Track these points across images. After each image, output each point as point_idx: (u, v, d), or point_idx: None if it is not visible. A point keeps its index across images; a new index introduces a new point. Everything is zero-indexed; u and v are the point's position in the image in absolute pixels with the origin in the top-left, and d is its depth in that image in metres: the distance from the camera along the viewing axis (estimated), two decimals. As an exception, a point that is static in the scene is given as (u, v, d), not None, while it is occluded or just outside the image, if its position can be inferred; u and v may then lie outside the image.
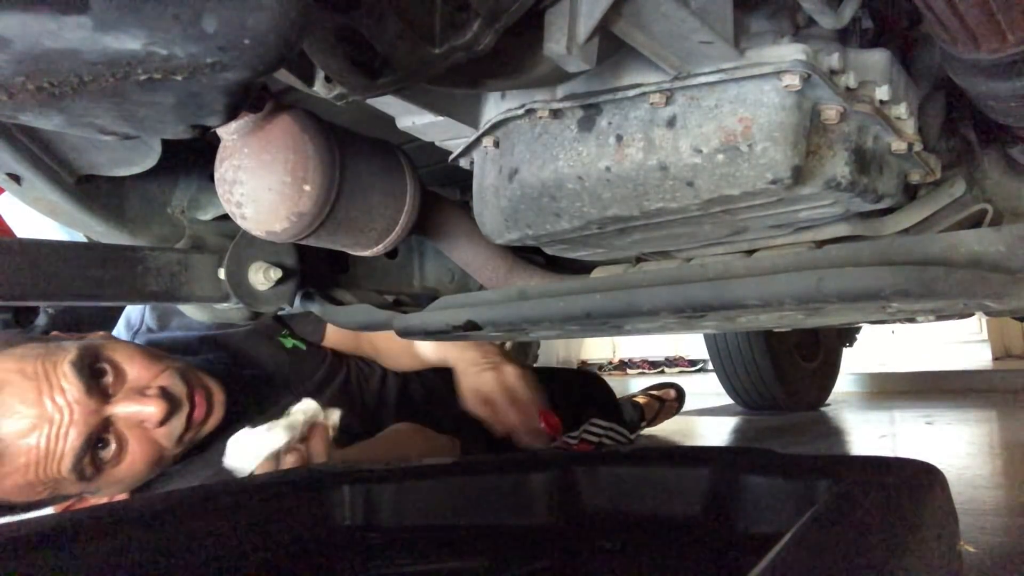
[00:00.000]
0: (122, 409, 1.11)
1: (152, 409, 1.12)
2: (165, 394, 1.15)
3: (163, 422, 1.13)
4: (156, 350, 1.25)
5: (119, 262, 0.93)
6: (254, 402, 1.35)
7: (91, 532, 0.68)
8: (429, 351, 1.60)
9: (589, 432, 1.91)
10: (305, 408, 1.11)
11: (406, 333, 1.00)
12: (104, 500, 1.21)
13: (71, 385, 1.07)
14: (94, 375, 1.10)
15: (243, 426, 1.27)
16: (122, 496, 1.22)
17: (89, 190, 0.95)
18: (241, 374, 1.39)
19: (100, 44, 0.37)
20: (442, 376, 1.66)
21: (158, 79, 0.40)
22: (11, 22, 0.35)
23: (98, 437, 1.09)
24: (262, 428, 1.06)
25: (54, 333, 1.25)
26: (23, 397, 1.04)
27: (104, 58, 0.38)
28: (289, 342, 1.51)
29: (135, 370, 1.15)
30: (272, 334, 1.50)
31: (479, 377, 1.47)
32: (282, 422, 1.08)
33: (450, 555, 0.82)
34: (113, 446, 1.11)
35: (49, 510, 1.14)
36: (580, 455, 0.92)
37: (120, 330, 1.48)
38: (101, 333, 1.29)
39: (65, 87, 0.40)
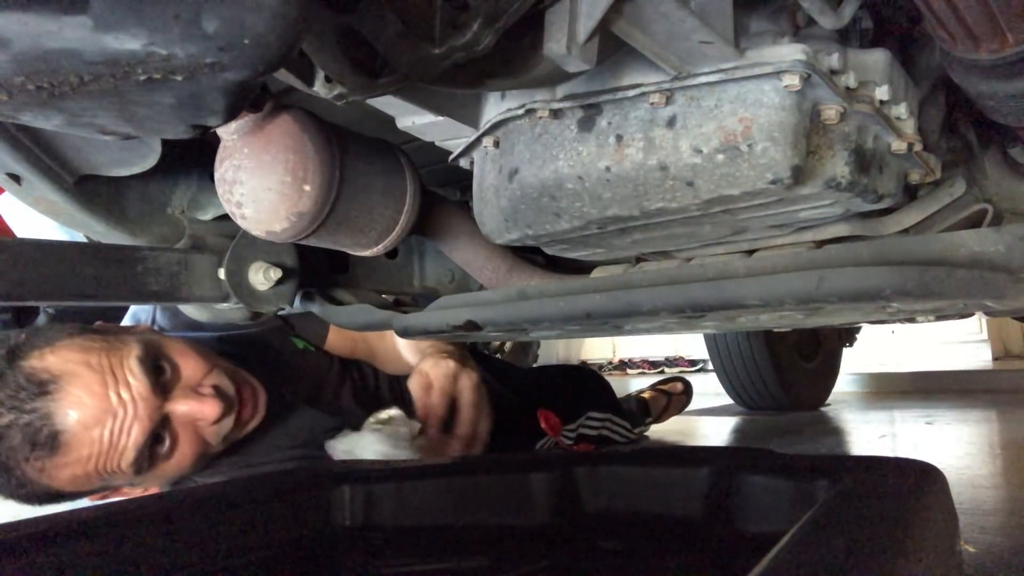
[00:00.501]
0: (181, 407, 1.13)
1: (209, 409, 1.14)
2: (220, 393, 1.16)
3: (217, 421, 1.14)
4: (205, 349, 1.26)
5: (119, 262, 0.93)
6: (283, 400, 1.36)
7: (92, 532, 0.68)
8: (412, 355, 1.58)
9: (586, 426, 1.91)
10: (396, 414, 1.16)
11: (406, 333, 1.00)
12: (139, 491, 1.22)
13: (137, 381, 1.08)
14: (156, 372, 1.11)
15: (275, 425, 1.28)
16: (156, 489, 1.23)
17: (89, 190, 0.95)
18: (268, 373, 1.40)
19: (100, 44, 0.37)
20: None
21: (158, 79, 0.40)
22: (11, 22, 0.35)
23: (156, 433, 1.10)
24: (368, 432, 1.12)
25: (99, 324, 1.25)
26: (90, 389, 1.05)
27: (104, 58, 0.38)
28: (300, 343, 1.51)
29: (189, 368, 1.17)
30: (285, 334, 1.50)
31: (438, 363, 1.41)
32: (386, 429, 1.13)
33: (450, 555, 0.82)
34: (167, 442, 1.13)
35: (85, 500, 1.15)
36: (580, 455, 0.93)
37: None
38: (143, 326, 1.29)
39: (65, 87, 0.40)
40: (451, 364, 1.39)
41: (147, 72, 0.39)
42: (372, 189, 0.82)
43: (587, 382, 2.14)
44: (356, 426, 1.30)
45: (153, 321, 1.44)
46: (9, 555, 0.62)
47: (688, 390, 2.74)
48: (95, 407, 1.04)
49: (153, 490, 1.23)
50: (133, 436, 1.07)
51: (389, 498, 0.86)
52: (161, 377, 1.12)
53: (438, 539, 0.84)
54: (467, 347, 1.61)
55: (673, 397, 2.65)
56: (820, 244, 0.79)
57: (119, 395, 1.06)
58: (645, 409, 2.46)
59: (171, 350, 1.17)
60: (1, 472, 1.03)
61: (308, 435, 1.32)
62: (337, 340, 1.59)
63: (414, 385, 1.39)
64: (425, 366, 1.40)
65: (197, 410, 1.13)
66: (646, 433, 2.41)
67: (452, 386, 1.38)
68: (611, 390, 2.18)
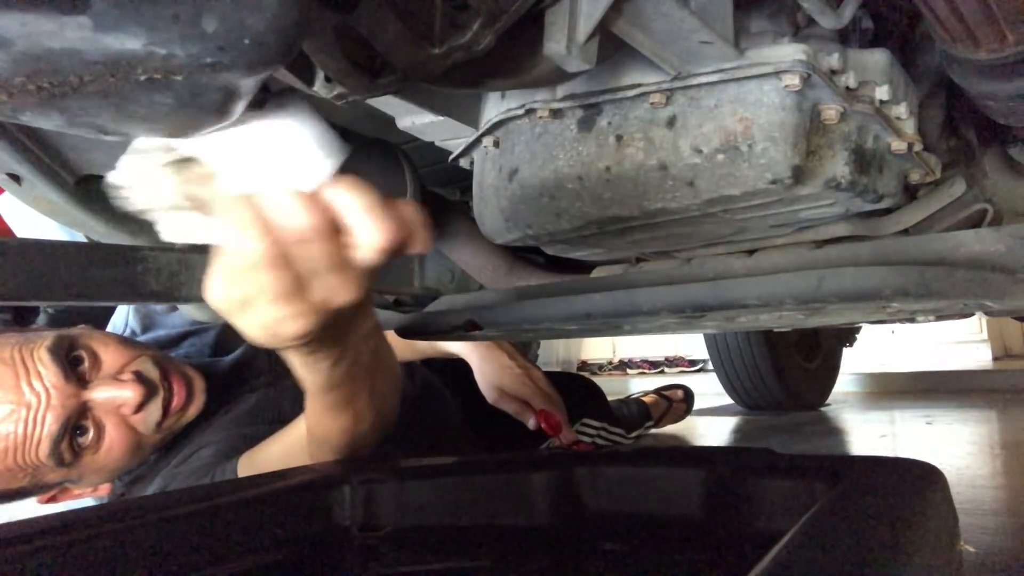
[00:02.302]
0: (99, 394, 1.11)
1: (129, 393, 1.12)
2: (140, 378, 1.15)
3: (140, 407, 1.13)
4: (131, 339, 1.26)
5: (119, 262, 0.93)
6: (234, 390, 1.36)
7: (91, 532, 0.68)
8: (441, 343, 1.60)
9: (581, 432, 1.91)
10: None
11: (406, 333, 1.00)
12: (88, 490, 1.21)
13: (48, 370, 1.07)
14: (71, 362, 1.11)
15: (224, 414, 1.27)
16: (105, 485, 1.22)
17: (89, 190, 0.94)
18: (220, 364, 1.40)
19: (100, 44, 0.37)
20: (434, 368, 1.66)
21: (158, 79, 0.40)
22: (11, 22, 0.35)
23: (76, 423, 1.10)
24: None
25: (32, 326, 1.25)
26: (2, 383, 1.04)
27: (104, 58, 0.38)
28: None
29: (110, 356, 1.16)
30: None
31: (513, 381, 1.49)
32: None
33: (450, 555, 0.82)
34: (91, 432, 1.11)
35: (32, 501, 1.14)
36: (580, 455, 0.92)
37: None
38: (81, 326, 1.29)
39: (65, 87, 0.40)
40: (515, 370, 1.46)
41: (147, 72, 0.39)
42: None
43: (582, 390, 2.13)
44: None
45: (126, 326, 1.45)
46: (9, 555, 0.62)
47: (688, 398, 2.74)
48: (5, 400, 1.04)
49: (103, 488, 1.22)
50: (48, 426, 1.06)
51: (389, 498, 0.86)
52: (79, 367, 1.11)
53: (438, 539, 0.84)
54: None
55: (673, 404, 2.65)
56: (820, 244, 0.79)
57: (31, 385, 1.05)
58: (646, 413, 2.46)
59: (90, 340, 1.16)
60: None
61: (274, 412, 1.31)
62: None
63: (508, 406, 1.48)
64: (494, 384, 1.47)
65: (116, 396, 1.12)
66: (646, 435, 2.41)
67: (531, 385, 1.46)
68: (605, 399, 2.18)
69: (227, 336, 1.46)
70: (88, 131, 0.46)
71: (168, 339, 1.43)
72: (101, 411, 1.12)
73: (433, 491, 0.86)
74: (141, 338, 1.44)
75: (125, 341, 1.22)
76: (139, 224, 1.02)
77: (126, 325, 1.46)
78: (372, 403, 0.82)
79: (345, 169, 0.78)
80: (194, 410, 1.23)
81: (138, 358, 1.18)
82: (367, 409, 0.82)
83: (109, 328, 1.49)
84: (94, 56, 0.38)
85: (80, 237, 1.13)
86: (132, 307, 1.45)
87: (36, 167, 0.88)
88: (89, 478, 1.17)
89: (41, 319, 1.70)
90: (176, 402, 1.20)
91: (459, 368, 1.62)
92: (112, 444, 1.13)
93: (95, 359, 1.14)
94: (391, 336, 1.57)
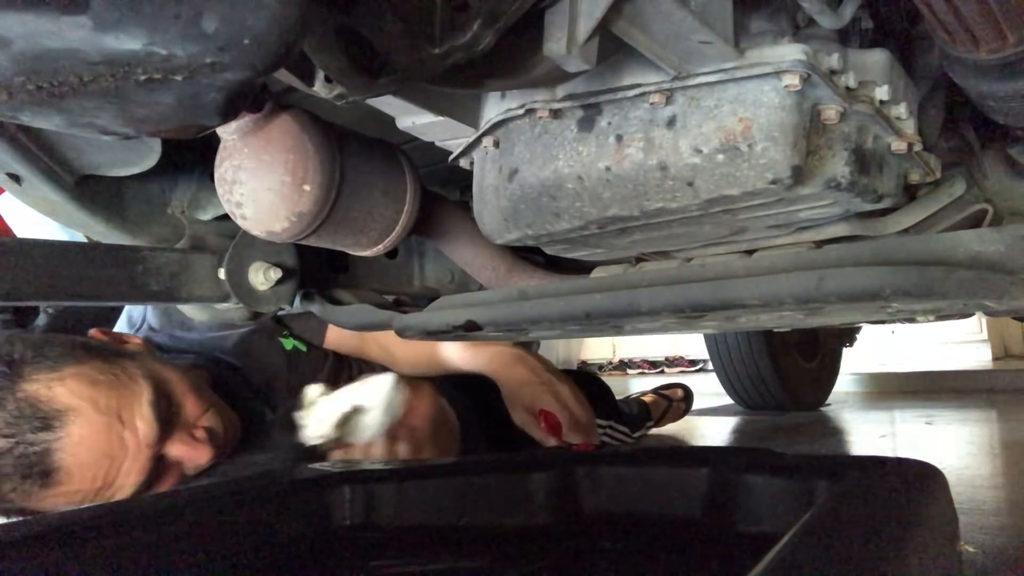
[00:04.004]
0: (177, 451, 1.11)
1: (203, 458, 1.13)
2: (212, 436, 1.15)
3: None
4: (202, 383, 1.25)
5: (119, 262, 0.93)
6: (255, 411, 1.35)
7: (91, 532, 0.68)
8: (459, 358, 1.54)
9: None
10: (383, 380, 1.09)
11: (406, 333, 1.00)
12: None
13: (146, 426, 1.06)
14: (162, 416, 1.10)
15: (248, 448, 1.27)
16: None
17: (89, 190, 0.94)
18: (245, 380, 1.39)
19: (100, 44, 0.37)
20: (456, 384, 1.62)
21: (158, 79, 0.40)
22: (11, 22, 0.35)
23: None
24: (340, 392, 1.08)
25: (93, 333, 1.22)
26: (94, 431, 1.02)
27: (104, 58, 0.38)
28: (289, 343, 1.50)
29: (189, 407, 1.15)
30: (272, 335, 1.49)
31: (535, 398, 1.42)
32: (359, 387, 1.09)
33: (450, 555, 0.82)
34: (152, 477, 1.11)
35: None
36: (580, 455, 0.92)
37: (122, 326, 1.47)
38: (138, 340, 1.27)
39: (65, 87, 0.40)
40: (544, 396, 1.41)
41: (147, 72, 0.39)
42: (372, 189, 0.82)
43: (589, 387, 2.13)
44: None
45: (143, 320, 1.44)
46: (9, 555, 0.62)
47: (688, 397, 2.74)
48: (96, 451, 1.02)
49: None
50: (131, 478, 1.05)
51: (389, 498, 0.86)
52: (165, 417, 1.11)
53: (438, 539, 0.84)
54: None
55: (673, 403, 2.65)
56: (820, 244, 0.79)
57: (122, 439, 1.04)
58: (646, 412, 2.46)
59: (176, 390, 1.15)
60: None
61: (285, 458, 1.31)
62: (340, 336, 1.56)
63: (525, 424, 1.41)
64: (519, 404, 1.42)
65: (191, 456, 1.13)
66: (646, 435, 2.41)
67: (557, 403, 1.41)
68: (612, 395, 2.17)
69: (250, 352, 1.44)
70: (88, 131, 0.46)
71: (188, 344, 1.41)
72: (169, 461, 1.12)
73: (433, 491, 0.86)
74: (159, 335, 1.41)
75: (200, 389, 1.21)
76: (139, 224, 1.02)
77: (143, 320, 1.44)
78: None
79: (346, 169, 0.78)
80: (229, 450, 1.24)
81: (208, 412, 1.18)
82: None
83: (123, 320, 1.47)
84: (94, 56, 0.38)
85: (80, 237, 1.13)
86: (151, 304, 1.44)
87: (36, 167, 0.88)
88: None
89: (41, 319, 1.70)
90: (228, 452, 1.20)
91: (478, 386, 1.57)
92: (163, 484, 1.14)
93: (178, 408, 1.13)
94: (413, 349, 1.54)
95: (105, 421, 1.03)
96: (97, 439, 1.02)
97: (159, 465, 1.10)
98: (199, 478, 1.20)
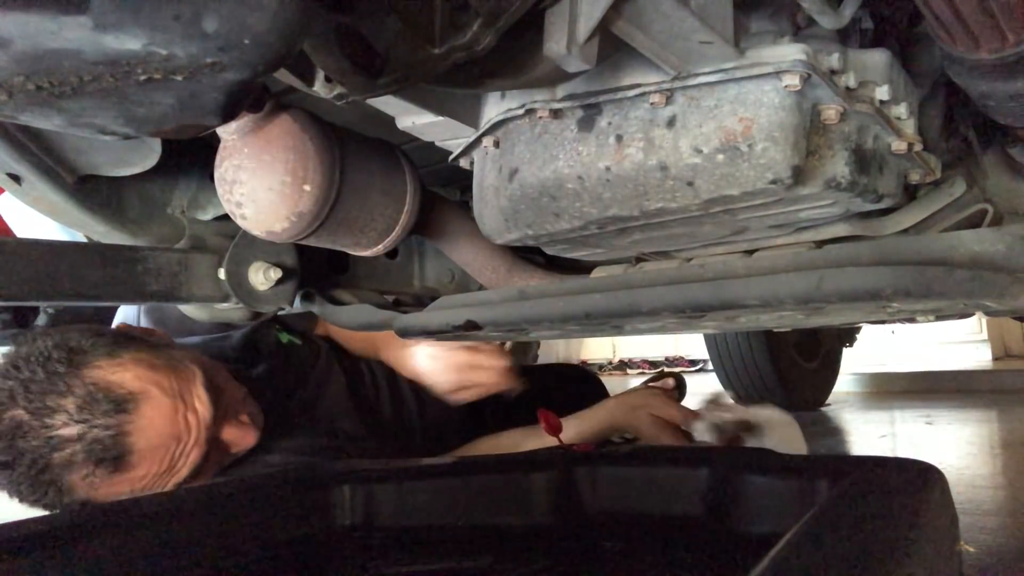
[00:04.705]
0: (229, 434, 1.15)
1: (251, 440, 1.17)
2: (255, 420, 1.19)
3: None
4: (235, 372, 1.27)
5: (119, 262, 0.93)
6: (271, 401, 1.36)
7: (92, 532, 0.68)
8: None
9: None
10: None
11: (406, 333, 1.00)
12: None
13: (204, 408, 1.08)
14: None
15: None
16: None
17: (89, 190, 0.95)
18: (252, 376, 1.39)
19: (100, 44, 0.37)
20: None
21: (158, 79, 0.40)
22: (11, 22, 0.35)
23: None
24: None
25: (122, 326, 1.24)
26: (163, 412, 1.03)
27: (104, 58, 0.38)
28: (284, 337, 1.50)
29: (230, 392, 1.18)
30: (268, 328, 1.49)
31: (636, 421, 1.51)
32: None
33: (450, 555, 0.82)
34: (205, 461, 1.13)
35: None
36: (580, 455, 0.92)
37: None
38: (161, 332, 1.28)
39: (65, 87, 0.40)
40: (638, 412, 1.50)
41: (147, 72, 0.39)
42: (372, 189, 0.82)
43: (586, 382, 2.13)
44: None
45: (137, 324, 1.44)
46: (9, 555, 0.62)
47: (680, 387, 2.73)
48: (167, 431, 1.03)
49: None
50: (191, 459, 1.07)
51: (389, 498, 0.86)
52: (215, 400, 1.13)
53: (438, 539, 0.84)
54: None
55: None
56: (820, 244, 0.79)
57: (186, 420, 1.06)
58: None
59: (219, 377, 1.18)
60: (42, 483, 0.99)
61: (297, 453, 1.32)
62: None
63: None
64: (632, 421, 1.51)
65: (241, 439, 1.16)
66: None
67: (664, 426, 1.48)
68: (604, 388, 2.18)
69: (251, 351, 1.44)
70: (88, 131, 0.46)
71: (192, 348, 1.42)
72: (219, 445, 1.14)
73: (433, 491, 0.86)
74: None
75: (233, 376, 1.23)
76: (139, 224, 1.02)
77: (137, 324, 1.44)
78: None
79: (346, 169, 0.78)
80: None
81: (247, 397, 1.22)
82: None
83: (120, 319, 1.48)
84: (94, 56, 0.38)
85: (80, 237, 1.13)
86: (144, 309, 1.44)
87: (36, 167, 0.88)
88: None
89: (41, 319, 1.70)
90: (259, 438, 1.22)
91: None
92: (210, 469, 1.16)
93: (223, 395, 1.16)
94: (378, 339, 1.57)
95: (171, 403, 1.05)
96: (166, 420, 1.04)
97: (210, 449, 1.12)
98: (239, 464, 1.23)
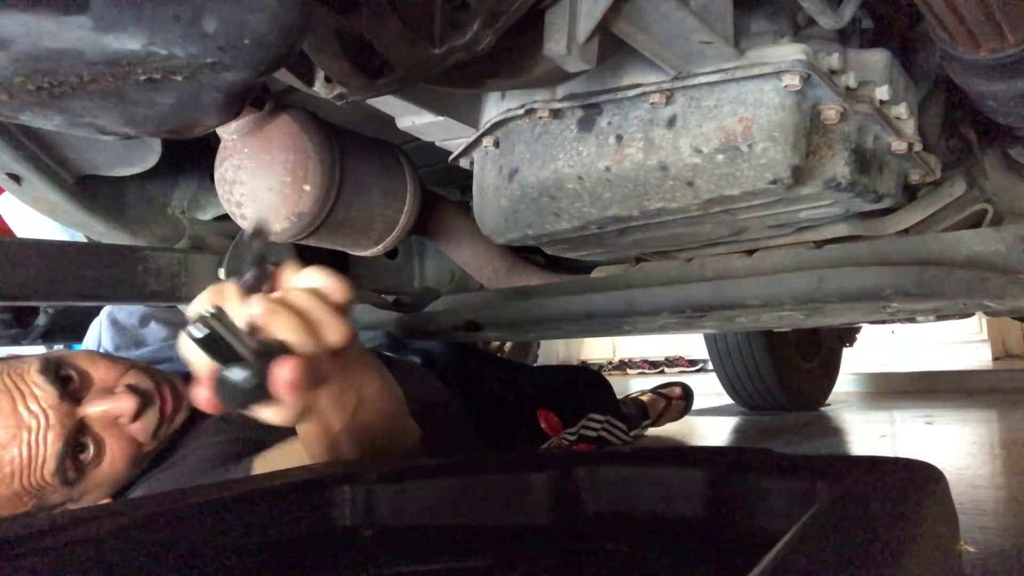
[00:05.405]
0: (95, 408, 1.12)
1: (124, 403, 1.12)
2: (134, 389, 1.15)
3: (137, 416, 1.14)
4: (117, 356, 1.26)
5: (119, 262, 0.93)
6: None
7: (90, 532, 0.68)
8: None
9: (586, 427, 1.91)
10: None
11: (406, 333, 1.00)
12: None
13: (43, 391, 1.07)
14: (61, 381, 1.11)
15: (209, 422, 1.27)
16: (106, 500, 1.22)
17: (89, 190, 0.95)
18: (184, 373, 1.40)
19: (100, 44, 0.37)
20: (437, 365, 1.64)
21: (158, 79, 0.40)
22: (11, 22, 0.35)
23: (76, 440, 1.10)
24: None
25: (11, 355, 1.26)
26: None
27: (104, 58, 0.38)
28: None
29: (99, 372, 1.16)
30: None
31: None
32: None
33: (450, 555, 0.82)
34: (91, 448, 1.12)
35: None
36: (580, 455, 0.92)
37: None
38: (59, 348, 1.30)
39: (65, 87, 0.40)
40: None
41: (147, 72, 0.39)
42: (372, 189, 0.82)
43: (589, 382, 2.13)
44: None
45: (98, 346, 1.45)
46: (8, 555, 0.62)
47: (687, 395, 2.73)
48: (6, 425, 1.04)
49: (103, 501, 1.23)
50: (51, 445, 1.06)
51: (389, 498, 0.86)
52: (69, 386, 1.12)
53: (438, 539, 0.84)
54: (469, 346, 1.59)
55: (672, 402, 2.64)
56: (820, 244, 0.79)
57: (28, 408, 1.06)
58: (643, 412, 2.46)
59: (76, 359, 1.16)
60: None
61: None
62: None
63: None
64: None
65: (112, 408, 1.12)
66: (644, 435, 2.41)
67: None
68: (612, 390, 2.17)
69: None
70: (88, 131, 0.46)
71: (153, 358, 1.43)
72: (99, 426, 1.13)
73: (433, 491, 0.86)
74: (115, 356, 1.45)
75: (112, 358, 1.22)
76: (139, 224, 1.02)
77: (98, 345, 1.46)
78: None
79: (346, 169, 0.78)
80: (182, 417, 1.24)
81: (128, 372, 1.19)
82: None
83: (82, 348, 1.49)
84: (94, 56, 0.38)
85: (80, 237, 1.13)
86: (105, 326, 1.45)
87: (36, 167, 0.88)
88: (91, 494, 1.18)
89: (41, 319, 1.70)
90: (170, 407, 1.20)
91: (460, 365, 1.60)
92: (114, 456, 1.14)
93: (85, 377, 1.15)
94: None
95: (6, 397, 1.05)
96: (3, 415, 1.04)
97: (87, 431, 1.11)
98: (194, 440, 1.21)
